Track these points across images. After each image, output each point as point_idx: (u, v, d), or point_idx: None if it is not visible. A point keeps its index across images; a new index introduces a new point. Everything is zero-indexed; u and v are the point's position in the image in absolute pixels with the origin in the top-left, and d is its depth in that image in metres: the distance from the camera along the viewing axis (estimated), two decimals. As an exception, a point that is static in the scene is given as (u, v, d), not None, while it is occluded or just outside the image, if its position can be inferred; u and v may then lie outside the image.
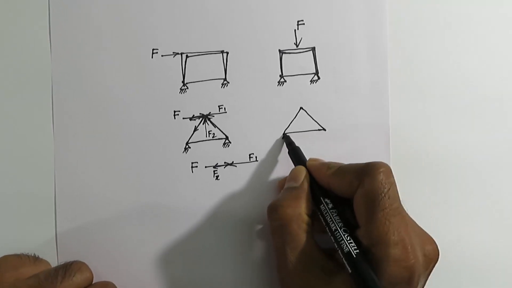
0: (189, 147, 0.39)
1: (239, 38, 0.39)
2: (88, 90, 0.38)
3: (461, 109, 0.41)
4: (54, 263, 0.37)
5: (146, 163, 0.38)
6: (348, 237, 0.33)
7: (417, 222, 0.35)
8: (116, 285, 0.35)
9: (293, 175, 0.37)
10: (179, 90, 0.39)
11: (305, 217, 0.35)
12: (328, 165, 0.36)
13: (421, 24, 0.41)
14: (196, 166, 0.39)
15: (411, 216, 0.34)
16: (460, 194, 0.41)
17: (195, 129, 0.39)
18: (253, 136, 0.39)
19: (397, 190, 0.33)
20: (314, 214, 0.36)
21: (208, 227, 0.39)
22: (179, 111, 0.39)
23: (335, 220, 0.34)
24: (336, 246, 0.33)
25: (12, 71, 0.38)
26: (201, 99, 0.39)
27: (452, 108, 0.41)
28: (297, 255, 0.34)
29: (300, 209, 0.35)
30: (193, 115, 0.39)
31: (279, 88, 0.40)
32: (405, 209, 0.34)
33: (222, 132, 0.39)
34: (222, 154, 0.39)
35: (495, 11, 0.41)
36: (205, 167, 0.39)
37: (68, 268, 0.34)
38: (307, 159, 0.38)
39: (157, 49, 0.39)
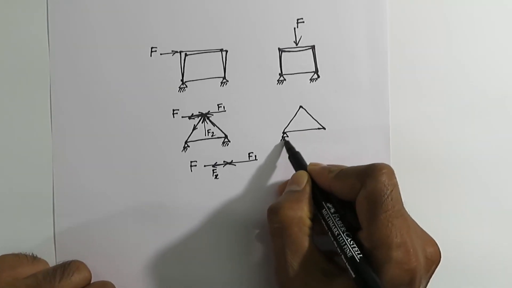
0: (188, 146, 0.39)
1: (238, 36, 0.39)
2: (86, 89, 0.38)
3: (462, 109, 0.41)
4: (52, 262, 0.37)
5: (145, 162, 0.38)
6: (351, 242, 0.33)
7: (417, 223, 0.34)
8: (115, 285, 0.35)
9: (295, 179, 0.37)
10: (178, 89, 0.39)
11: (306, 221, 0.35)
12: (329, 169, 0.36)
13: (421, 23, 0.41)
14: (195, 165, 0.39)
15: (411, 216, 0.34)
16: (460, 194, 0.40)
17: (194, 128, 0.39)
18: (253, 135, 0.39)
19: (399, 192, 0.33)
20: (314, 217, 0.35)
21: (207, 227, 0.39)
22: (178, 109, 0.39)
23: (337, 225, 0.34)
24: (339, 251, 0.33)
25: (10, 69, 0.38)
26: (200, 97, 0.39)
27: (452, 107, 0.41)
28: (297, 258, 0.33)
29: (301, 212, 0.35)
30: (192, 114, 0.39)
31: (279, 86, 0.39)
32: (406, 210, 0.34)
33: (221, 131, 0.39)
34: (221, 153, 0.39)
35: (495, 9, 0.41)
36: (204, 166, 0.39)
37: (66, 268, 0.34)
38: (308, 163, 0.38)
39: (156, 47, 0.39)
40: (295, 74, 0.40)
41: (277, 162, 0.39)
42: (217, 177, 0.39)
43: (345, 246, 0.33)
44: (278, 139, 0.39)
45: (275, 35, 0.39)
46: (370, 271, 0.31)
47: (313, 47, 0.40)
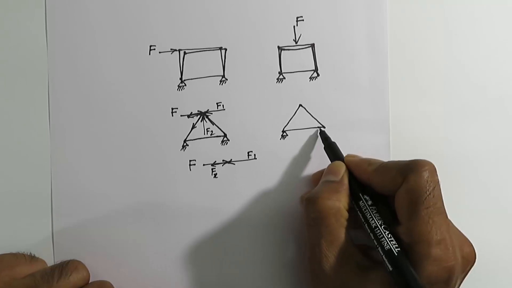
0: (187, 145, 0.39)
1: (237, 34, 0.39)
2: (84, 87, 0.38)
3: (461, 107, 0.41)
4: (50, 262, 0.37)
5: (143, 160, 0.38)
6: (389, 235, 0.33)
7: None
8: (113, 284, 0.35)
9: (332, 170, 0.36)
10: (177, 87, 0.39)
11: (344, 212, 0.35)
12: (368, 161, 0.36)
13: (421, 20, 0.41)
14: (194, 164, 0.39)
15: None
16: (459, 193, 0.40)
17: (193, 127, 0.39)
18: (252, 134, 0.39)
19: (441, 190, 0.33)
20: (350, 209, 0.35)
21: (205, 226, 0.38)
22: (177, 108, 0.39)
23: (375, 217, 0.34)
24: (376, 243, 0.33)
25: (8, 67, 0.37)
26: (199, 96, 0.39)
27: (452, 105, 0.41)
28: (333, 250, 0.33)
29: (339, 203, 0.34)
30: (191, 113, 0.39)
31: (278, 85, 0.39)
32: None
33: (220, 129, 0.39)
34: (221, 152, 0.39)
35: (496, 8, 0.41)
36: (203, 165, 0.39)
37: (64, 267, 0.34)
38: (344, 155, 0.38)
39: (155, 46, 0.38)
40: (294, 73, 0.39)
41: (276, 161, 0.39)
42: (216, 176, 0.39)
43: (382, 239, 0.33)
44: (277, 138, 0.39)
45: (275, 33, 0.39)
46: (408, 265, 0.31)
47: (312, 45, 0.40)
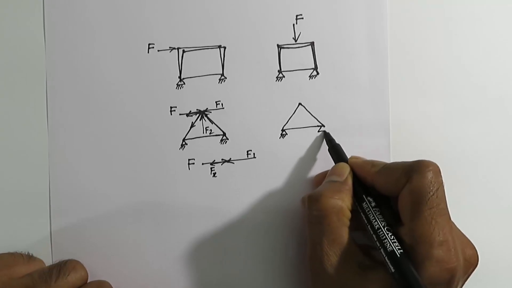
0: (186, 144, 0.38)
1: (236, 32, 0.39)
2: (82, 86, 0.38)
3: (462, 106, 0.41)
4: (48, 261, 0.36)
5: (142, 159, 0.38)
6: (392, 236, 0.33)
7: None
8: (111, 284, 0.35)
9: (336, 171, 0.36)
10: (176, 86, 0.38)
11: (346, 212, 0.34)
12: (372, 163, 0.36)
13: (421, 20, 0.41)
14: (193, 163, 0.38)
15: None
16: (460, 192, 0.40)
17: (192, 125, 0.39)
18: (251, 133, 0.39)
19: (444, 191, 0.33)
20: (353, 210, 0.35)
21: (204, 225, 0.38)
22: (176, 107, 0.38)
23: (378, 219, 0.34)
24: (378, 245, 0.33)
25: (5, 66, 0.37)
26: (198, 94, 0.39)
27: (452, 105, 0.41)
28: (334, 249, 0.33)
29: (342, 202, 0.34)
30: (190, 111, 0.39)
31: (278, 83, 0.39)
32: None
33: (219, 128, 0.39)
34: (220, 151, 0.39)
35: (496, 8, 0.41)
36: (202, 164, 0.39)
37: (62, 267, 0.34)
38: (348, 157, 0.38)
39: (153, 44, 0.38)
40: (294, 71, 0.39)
41: (275, 160, 0.39)
42: (215, 175, 0.39)
43: (385, 240, 0.33)
44: (277, 137, 0.39)
45: (274, 32, 0.39)
46: (410, 267, 0.31)
47: (312, 44, 0.39)
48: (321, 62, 0.39)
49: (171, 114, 0.38)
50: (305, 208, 0.36)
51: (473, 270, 0.34)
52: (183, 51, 0.38)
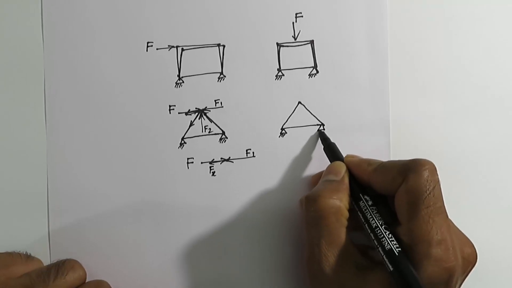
0: (185, 143, 0.38)
1: (236, 31, 0.39)
2: (81, 84, 0.38)
3: (462, 105, 0.41)
4: (46, 261, 0.36)
5: (141, 158, 0.38)
6: (390, 235, 0.33)
7: None
8: (110, 283, 0.35)
9: (332, 169, 0.36)
10: (175, 84, 0.38)
11: (344, 211, 0.34)
12: (368, 161, 0.36)
13: (421, 20, 0.40)
14: (192, 162, 0.38)
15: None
16: (460, 192, 0.40)
17: (191, 124, 0.38)
18: (250, 132, 0.39)
19: (441, 189, 0.33)
20: (350, 210, 0.35)
21: (203, 224, 0.38)
22: (175, 105, 0.38)
23: (375, 217, 0.34)
24: (376, 244, 0.33)
25: (4, 64, 0.37)
26: (197, 93, 0.38)
27: (452, 105, 0.41)
28: (332, 249, 0.33)
29: (340, 202, 0.34)
30: (189, 110, 0.38)
31: (277, 82, 0.39)
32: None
33: (218, 127, 0.39)
34: (219, 150, 0.39)
35: (496, 8, 0.41)
36: (201, 163, 0.38)
37: (60, 267, 0.34)
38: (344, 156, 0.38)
39: (152, 42, 0.38)
40: (293, 70, 0.39)
41: (275, 159, 0.39)
42: (214, 174, 0.38)
43: (383, 239, 0.32)
44: (276, 136, 0.39)
45: (274, 30, 0.39)
46: (408, 265, 0.31)
47: (312, 42, 0.39)
48: (321, 61, 0.39)
49: (170, 113, 0.38)
50: (302, 210, 0.36)
51: (472, 268, 0.34)
52: (182, 50, 0.38)
